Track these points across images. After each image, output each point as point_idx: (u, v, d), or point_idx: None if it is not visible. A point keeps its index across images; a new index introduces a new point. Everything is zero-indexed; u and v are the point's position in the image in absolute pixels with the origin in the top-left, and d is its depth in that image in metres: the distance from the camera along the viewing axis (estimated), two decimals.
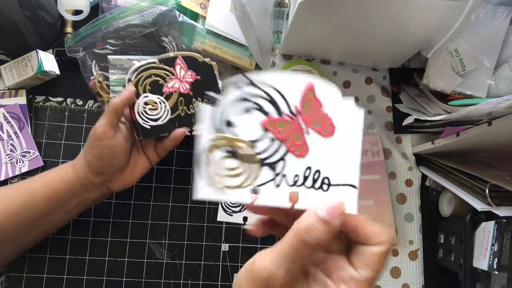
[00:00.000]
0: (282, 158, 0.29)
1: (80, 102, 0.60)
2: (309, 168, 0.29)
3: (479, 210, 0.49)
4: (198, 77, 0.51)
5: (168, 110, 0.50)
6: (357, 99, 0.65)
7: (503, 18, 0.53)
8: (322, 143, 0.29)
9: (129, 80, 0.49)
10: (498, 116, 0.44)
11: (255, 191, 0.28)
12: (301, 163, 0.29)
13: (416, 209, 0.63)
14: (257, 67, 0.62)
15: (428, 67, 0.58)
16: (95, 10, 0.59)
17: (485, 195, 0.49)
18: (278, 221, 0.32)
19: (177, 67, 0.50)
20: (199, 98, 0.51)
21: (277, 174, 0.29)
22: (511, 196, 0.49)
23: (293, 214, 0.28)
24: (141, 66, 0.49)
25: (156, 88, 0.50)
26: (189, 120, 0.51)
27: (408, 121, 0.59)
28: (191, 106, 0.51)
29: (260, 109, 0.29)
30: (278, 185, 0.29)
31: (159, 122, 0.50)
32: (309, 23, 0.53)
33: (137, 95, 0.49)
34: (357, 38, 0.56)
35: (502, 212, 0.48)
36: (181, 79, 0.50)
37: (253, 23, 0.51)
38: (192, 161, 0.60)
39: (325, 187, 0.28)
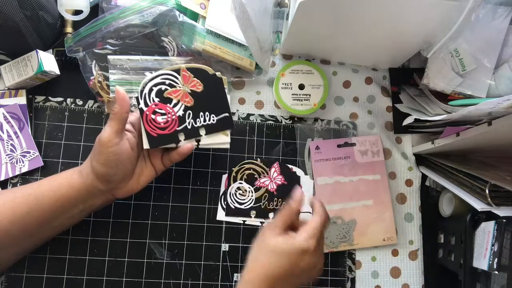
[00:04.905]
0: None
1: (80, 102, 0.60)
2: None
3: (479, 210, 0.50)
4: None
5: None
6: (357, 99, 0.65)
7: (503, 18, 0.53)
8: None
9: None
10: (498, 116, 0.44)
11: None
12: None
13: (416, 209, 0.63)
14: (257, 67, 0.62)
15: (428, 67, 0.58)
16: (95, 10, 0.59)
17: (485, 195, 0.49)
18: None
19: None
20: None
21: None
22: (511, 196, 0.49)
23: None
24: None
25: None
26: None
27: (408, 121, 0.59)
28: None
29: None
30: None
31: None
32: (309, 23, 0.53)
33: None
34: (357, 38, 0.56)
35: (502, 212, 0.48)
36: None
37: (253, 23, 0.51)
38: (191, 160, 0.60)
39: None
